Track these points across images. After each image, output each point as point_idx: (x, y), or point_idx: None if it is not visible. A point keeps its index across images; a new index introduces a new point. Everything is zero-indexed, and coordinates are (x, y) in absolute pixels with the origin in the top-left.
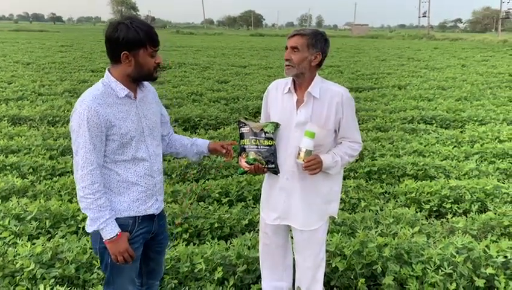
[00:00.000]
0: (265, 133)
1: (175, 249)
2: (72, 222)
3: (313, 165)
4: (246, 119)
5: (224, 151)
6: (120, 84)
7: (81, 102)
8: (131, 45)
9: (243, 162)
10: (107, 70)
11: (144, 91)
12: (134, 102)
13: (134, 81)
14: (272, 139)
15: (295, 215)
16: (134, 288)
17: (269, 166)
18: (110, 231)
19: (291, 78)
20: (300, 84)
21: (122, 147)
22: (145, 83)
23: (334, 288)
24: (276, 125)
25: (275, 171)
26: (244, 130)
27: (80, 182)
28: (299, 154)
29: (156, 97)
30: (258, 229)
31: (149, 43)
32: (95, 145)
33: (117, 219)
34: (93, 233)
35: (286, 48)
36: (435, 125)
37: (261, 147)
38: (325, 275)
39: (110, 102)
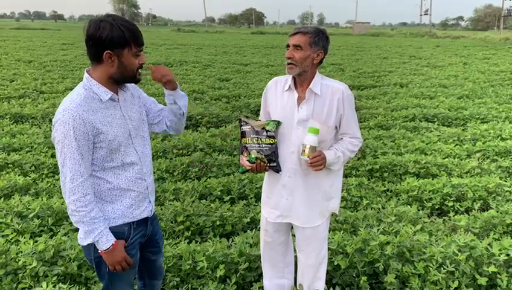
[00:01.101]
0: (266, 131)
1: (177, 247)
2: None
3: (318, 162)
4: (247, 117)
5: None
6: (102, 87)
7: (64, 111)
8: (115, 43)
9: (244, 161)
10: (85, 73)
11: (126, 91)
12: (118, 104)
13: (116, 83)
14: (273, 137)
15: (297, 213)
16: (132, 289)
17: (271, 164)
18: (105, 242)
19: (291, 75)
20: (302, 81)
21: (110, 154)
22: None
23: (336, 286)
24: (278, 123)
25: (277, 169)
26: (246, 128)
27: (70, 195)
28: (303, 151)
29: (136, 91)
30: (260, 227)
31: (134, 42)
32: (82, 155)
33: (112, 227)
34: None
35: (287, 46)
36: (436, 123)
37: (263, 145)
38: (327, 272)
39: (94, 107)
